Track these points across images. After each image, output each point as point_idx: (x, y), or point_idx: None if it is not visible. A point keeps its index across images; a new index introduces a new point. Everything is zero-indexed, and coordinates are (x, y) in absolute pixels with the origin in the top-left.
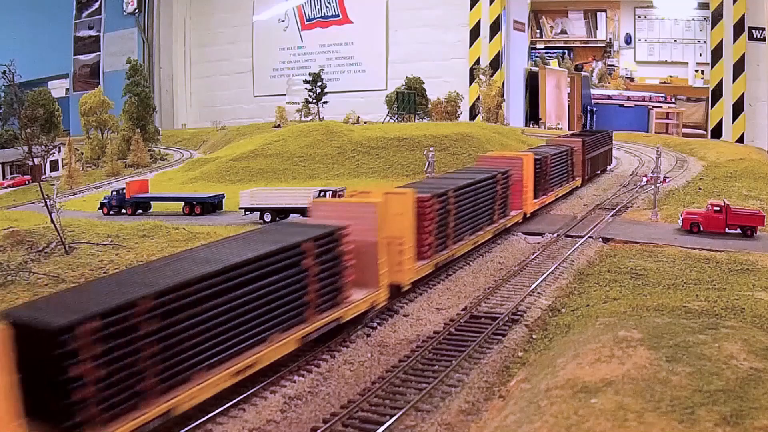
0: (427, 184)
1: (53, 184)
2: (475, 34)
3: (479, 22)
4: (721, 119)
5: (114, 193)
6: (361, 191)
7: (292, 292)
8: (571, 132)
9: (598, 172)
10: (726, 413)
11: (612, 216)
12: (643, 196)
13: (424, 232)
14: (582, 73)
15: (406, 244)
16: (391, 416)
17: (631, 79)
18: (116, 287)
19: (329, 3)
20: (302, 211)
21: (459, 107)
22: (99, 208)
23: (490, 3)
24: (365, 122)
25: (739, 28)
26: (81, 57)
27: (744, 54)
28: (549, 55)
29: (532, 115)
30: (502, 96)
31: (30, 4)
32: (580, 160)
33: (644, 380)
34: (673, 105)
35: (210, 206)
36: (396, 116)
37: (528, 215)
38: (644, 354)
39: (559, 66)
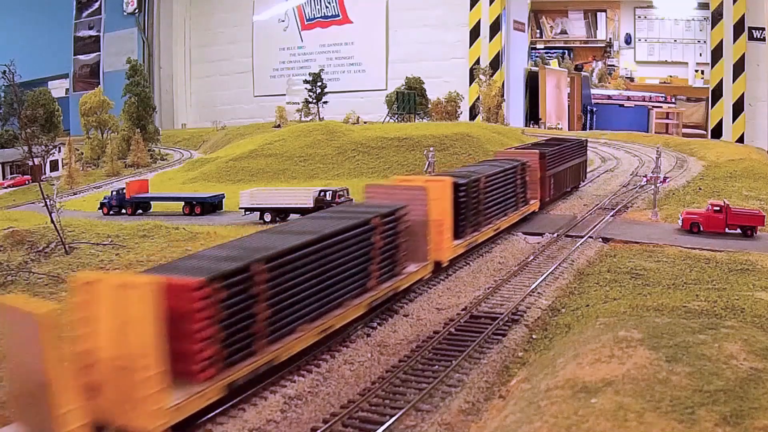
0: (225, 250)
1: (53, 184)
2: (475, 34)
3: (479, 22)
4: (721, 119)
5: (114, 193)
6: (90, 280)
7: None
8: (532, 142)
9: (568, 189)
10: (726, 413)
11: (612, 216)
12: (643, 196)
13: (194, 341)
14: (582, 73)
15: (146, 369)
16: (391, 416)
17: (631, 79)
18: None
19: (329, 3)
20: (302, 211)
21: (459, 107)
22: (99, 208)
23: (490, 3)
24: (365, 122)
25: (739, 28)
26: (81, 57)
27: (744, 54)
28: (549, 55)
29: (532, 115)
30: (502, 96)
31: (30, 4)
32: (537, 178)
33: (644, 380)
34: (673, 105)
35: (210, 206)
36: (396, 116)
37: (445, 263)
38: (644, 354)
39: (559, 66)
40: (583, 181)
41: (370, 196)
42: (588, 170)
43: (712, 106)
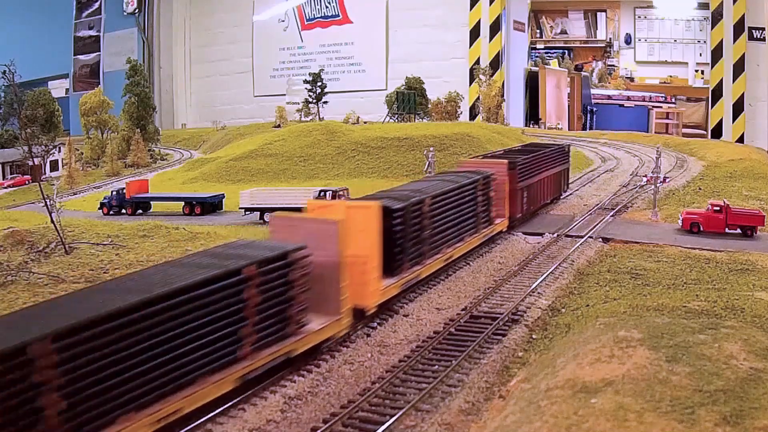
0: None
1: (53, 184)
2: (475, 34)
3: (479, 22)
4: (721, 119)
5: (114, 193)
6: None
7: None
8: (506, 148)
9: (547, 201)
10: (726, 413)
11: (612, 216)
12: (643, 196)
13: None
14: (582, 73)
15: None
16: (391, 416)
17: (631, 79)
18: None
19: (329, 3)
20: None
21: (459, 107)
22: (99, 208)
23: (490, 3)
24: (365, 122)
25: (739, 28)
26: (81, 57)
27: (744, 54)
28: (549, 55)
29: (532, 115)
30: (502, 96)
31: (30, 4)
32: (505, 192)
33: (644, 380)
34: (673, 105)
35: (210, 206)
36: (396, 116)
37: (370, 310)
38: (644, 354)
39: (559, 66)
40: (565, 191)
41: (274, 231)
42: (589, 170)
43: (712, 106)
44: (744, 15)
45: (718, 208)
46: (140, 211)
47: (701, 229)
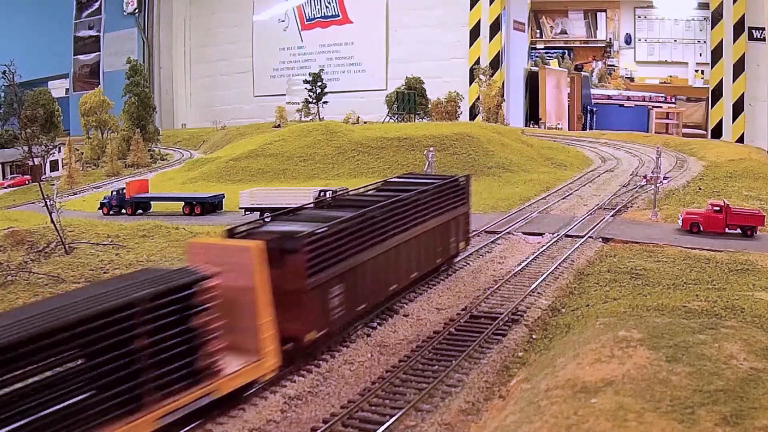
0: None
1: (53, 184)
2: (475, 34)
3: (479, 22)
4: (721, 119)
5: (114, 193)
6: None
7: None
8: (335, 193)
9: (415, 276)
10: (726, 413)
11: (612, 216)
12: (643, 196)
13: None
14: (582, 73)
15: None
16: (391, 416)
17: (631, 79)
18: None
19: (329, 3)
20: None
21: (459, 107)
22: (99, 208)
23: (490, 3)
24: (365, 122)
25: (739, 28)
26: (81, 57)
27: (744, 54)
28: (549, 55)
29: (532, 115)
30: (502, 96)
31: (30, 4)
32: (259, 303)
33: (644, 380)
34: (673, 105)
35: (210, 206)
36: (396, 116)
37: None
38: (644, 354)
39: (559, 66)
40: (464, 250)
41: None
42: (589, 170)
43: (712, 106)
44: (744, 15)
45: (718, 208)
46: (140, 211)
47: (701, 229)
